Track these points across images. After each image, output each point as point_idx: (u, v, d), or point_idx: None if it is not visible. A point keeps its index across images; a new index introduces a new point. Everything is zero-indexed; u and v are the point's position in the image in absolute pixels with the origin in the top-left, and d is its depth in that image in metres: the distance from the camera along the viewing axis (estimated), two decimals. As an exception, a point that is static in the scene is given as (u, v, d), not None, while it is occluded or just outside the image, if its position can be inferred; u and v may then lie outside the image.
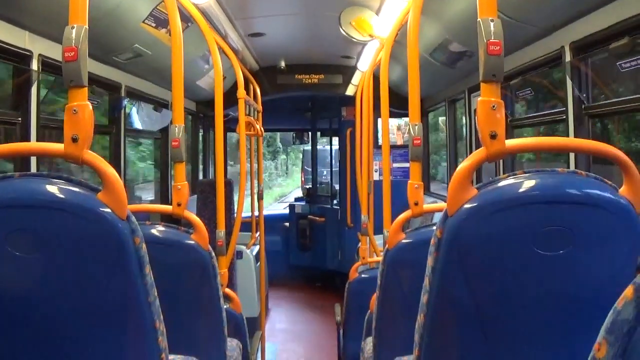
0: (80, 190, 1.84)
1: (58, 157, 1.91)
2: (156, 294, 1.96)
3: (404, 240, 2.86)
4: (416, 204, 2.83)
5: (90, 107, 1.89)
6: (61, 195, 1.81)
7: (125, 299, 1.89)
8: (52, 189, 1.81)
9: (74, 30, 1.86)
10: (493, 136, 1.79)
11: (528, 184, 1.76)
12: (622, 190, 1.80)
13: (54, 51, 3.50)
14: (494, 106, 1.80)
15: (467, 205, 1.75)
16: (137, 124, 6.02)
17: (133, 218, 1.89)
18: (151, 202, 6.79)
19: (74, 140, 1.85)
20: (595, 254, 1.73)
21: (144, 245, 1.90)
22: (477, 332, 1.81)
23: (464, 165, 1.81)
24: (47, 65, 3.50)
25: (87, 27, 1.89)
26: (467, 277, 1.78)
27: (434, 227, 1.84)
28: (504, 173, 3.73)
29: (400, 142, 8.31)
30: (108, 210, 1.82)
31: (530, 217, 1.73)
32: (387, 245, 2.91)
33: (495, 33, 1.78)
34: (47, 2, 3.06)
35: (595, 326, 0.91)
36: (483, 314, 1.79)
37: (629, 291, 0.86)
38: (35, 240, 1.79)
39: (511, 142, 1.86)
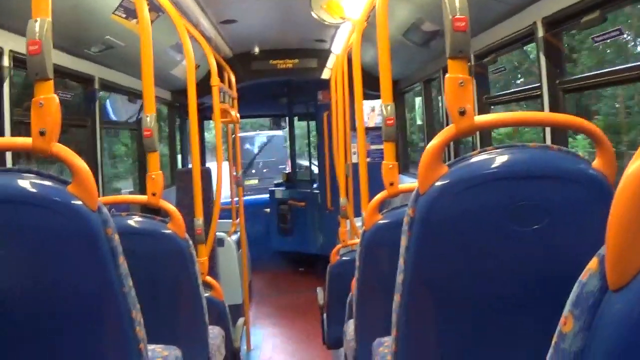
0: (50, 183, 1.82)
1: (26, 150, 1.90)
2: (132, 284, 1.95)
3: (380, 221, 2.85)
4: (391, 184, 2.84)
5: (57, 99, 1.87)
6: (31, 189, 1.79)
7: (100, 290, 1.88)
8: (23, 183, 1.79)
9: (37, 24, 1.84)
10: (462, 112, 1.79)
11: (500, 159, 1.76)
12: (595, 163, 1.80)
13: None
14: (461, 82, 1.80)
15: (438, 183, 1.75)
16: (113, 116, 5.97)
17: (105, 209, 1.87)
18: (130, 193, 6.75)
19: (42, 133, 1.84)
20: (570, 228, 1.73)
21: (116, 236, 1.88)
22: (453, 309, 1.82)
23: (433, 143, 1.81)
24: (19, 61, 3.45)
25: (50, 19, 1.87)
26: (441, 255, 1.79)
27: None
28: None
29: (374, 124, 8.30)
30: (79, 202, 1.80)
31: (502, 193, 1.73)
32: (364, 227, 2.91)
33: (461, 9, 1.78)
34: None
35: None
36: (458, 292, 1.80)
37: (593, 263, 0.85)
38: (6, 235, 1.77)
39: (481, 118, 1.86)
